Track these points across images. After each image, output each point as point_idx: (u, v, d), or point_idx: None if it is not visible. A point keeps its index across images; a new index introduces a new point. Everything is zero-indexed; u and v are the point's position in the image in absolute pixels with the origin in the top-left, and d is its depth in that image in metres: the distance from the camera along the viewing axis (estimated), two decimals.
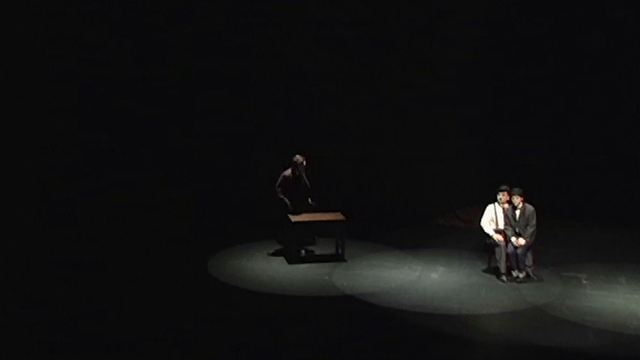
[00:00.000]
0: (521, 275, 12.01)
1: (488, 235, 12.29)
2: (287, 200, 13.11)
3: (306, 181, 13.09)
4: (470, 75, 15.26)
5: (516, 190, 12.05)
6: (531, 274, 12.08)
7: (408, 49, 15.42)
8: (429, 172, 15.49)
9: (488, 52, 15.19)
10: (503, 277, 12.05)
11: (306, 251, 13.16)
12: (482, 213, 12.42)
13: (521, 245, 11.91)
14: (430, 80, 15.39)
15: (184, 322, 10.54)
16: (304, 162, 12.96)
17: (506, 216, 12.07)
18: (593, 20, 14.87)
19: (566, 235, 14.23)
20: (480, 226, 12.41)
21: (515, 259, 12.00)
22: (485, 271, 12.47)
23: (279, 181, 13.01)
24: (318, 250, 13.35)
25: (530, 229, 11.92)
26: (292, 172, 12.97)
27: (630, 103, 15.08)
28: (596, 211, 15.06)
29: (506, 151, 15.32)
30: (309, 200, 13.16)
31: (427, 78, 15.41)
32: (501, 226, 12.17)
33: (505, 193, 12.21)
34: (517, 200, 11.98)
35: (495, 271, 12.23)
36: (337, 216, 13.10)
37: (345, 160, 15.43)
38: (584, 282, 12.05)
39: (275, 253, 13.24)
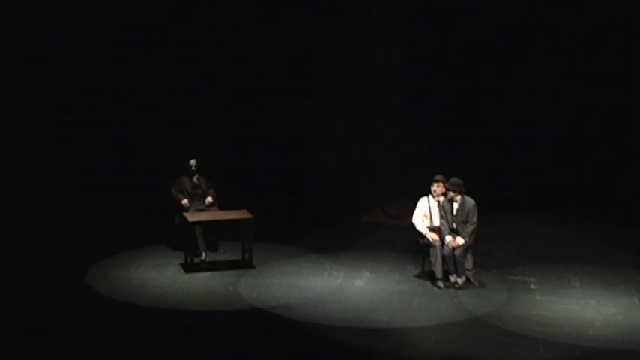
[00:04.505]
0: (460, 280, 11.35)
1: (421, 233, 11.61)
2: (182, 197, 12.88)
3: (205, 180, 13.12)
4: (396, 64, 15.01)
5: (454, 180, 11.47)
6: (472, 279, 11.45)
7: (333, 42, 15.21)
8: (352, 162, 15.08)
9: (416, 43, 15.01)
10: (440, 283, 11.37)
11: (206, 257, 12.51)
12: (414, 208, 11.78)
13: (458, 245, 11.23)
14: (356, 69, 15.16)
15: (62, 345, 9.70)
16: (196, 163, 13.12)
17: (442, 209, 11.44)
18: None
19: (511, 232, 13.98)
20: (412, 224, 11.76)
21: (452, 261, 11.30)
22: (418, 276, 11.89)
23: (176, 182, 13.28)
24: (221, 256, 12.78)
25: (470, 227, 11.27)
26: (189, 175, 13.15)
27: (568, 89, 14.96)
28: (542, 203, 14.77)
29: (441, 136, 14.92)
30: (209, 199, 12.95)
31: (353, 68, 15.17)
32: (437, 223, 11.55)
33: (440, 184, 11.56)
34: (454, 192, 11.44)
35: (430, 276, 11.65)
36: (243, 214, 12.44)
37: (256, 151, 15.11)
38: (533, 287, 11.57)
39: (169, 261, 12.57)
